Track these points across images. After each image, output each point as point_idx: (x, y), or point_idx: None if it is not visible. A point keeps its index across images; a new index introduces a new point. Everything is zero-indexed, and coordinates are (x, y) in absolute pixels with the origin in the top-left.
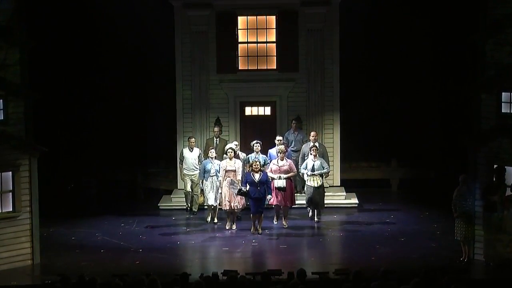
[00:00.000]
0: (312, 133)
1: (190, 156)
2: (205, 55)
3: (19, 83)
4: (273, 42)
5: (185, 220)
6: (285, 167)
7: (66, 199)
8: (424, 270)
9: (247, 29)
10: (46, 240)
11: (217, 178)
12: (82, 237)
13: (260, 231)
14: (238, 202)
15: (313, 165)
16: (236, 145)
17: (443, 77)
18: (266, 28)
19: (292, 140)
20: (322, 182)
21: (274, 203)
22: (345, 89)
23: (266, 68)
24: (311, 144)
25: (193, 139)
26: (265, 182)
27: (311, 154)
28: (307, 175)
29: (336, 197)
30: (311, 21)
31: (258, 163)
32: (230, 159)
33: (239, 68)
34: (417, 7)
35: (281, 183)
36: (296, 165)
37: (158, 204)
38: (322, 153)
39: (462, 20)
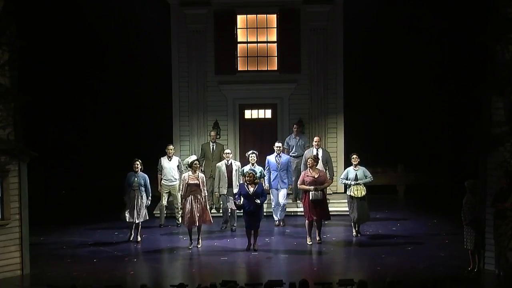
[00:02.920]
0: (316, 138)
1: (168, 166)
2: (202, 56)
3: (8, 84)
4: (274, 42)
5: (181, 228)
6: (322, 178)
7: (57, 206)
8: (432, 280)
9: (246, 28)
10: (36, 249)
11: (140, 193)
12: (74, 246)
13: (255, 247)
14: (204, 219)
15: (356, 174)
16: (229, 153)
17: (452, 79)
18: (267, 27)
19: (293, 145)
20: (366, 192)
21: (312, 218)
22: (349, 91)
23: (266, 69)
24: (314, 150)
25: (172, 146)
26: (260, 195)
27: (352, 163)
28: (351, 185)
29: (340, 205)
30: (314, 20)
31: (253, 174)
32: (194, 172)
33: (238, 69)
34: (424, 5)
35: (318, 195)
36: (299, 172)
37: (154, 212)
38: (326, 159)
39: (471, 18)
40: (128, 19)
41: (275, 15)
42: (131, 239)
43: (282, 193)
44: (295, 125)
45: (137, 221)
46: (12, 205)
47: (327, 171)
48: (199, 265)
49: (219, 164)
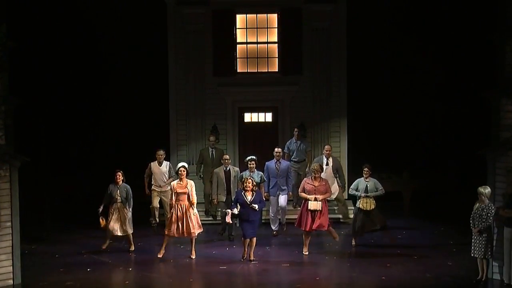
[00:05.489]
0: (326, 147)
1: (159, 171)
2: (200, 57)
3: None
4: (274, 42)
5: (178, 236)
6: (323, 187)
7: (50, 213)
8: None
9: (246, 28)
10: (28, 258)
11: (123, 205)
12: (67, 254)
13: (252, 258)
14: (188, 231)
15: (366, 186)
16: (227, 158)
17: (459, 81)
18: (267, 27)
19: (294, 150)
20: (375, 205)
21: (308, 228)
22: (353, 94)
23: (267, 70)
24: (325, 159)
25: (162, 151)
26: (258, 203)
27: (364, 174)
28: (361, 196)
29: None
30: (316, 20)
31: (251, 181)
32: (181, 179)
33: (238, 70)
34: (431, 5)
35: (317, 205)
36: (300, 178)
37: (150, 219)
38: (336, 168)
39: (479, 19)
40: (123, 20)
41: (275, 15)
42: (129, 248)
43: (283, 196)
44: (296, 129)
45: (121, 234)
46: (3, 212)
47: (337, 178)
48: (196, 274)
49: (216, 170)
